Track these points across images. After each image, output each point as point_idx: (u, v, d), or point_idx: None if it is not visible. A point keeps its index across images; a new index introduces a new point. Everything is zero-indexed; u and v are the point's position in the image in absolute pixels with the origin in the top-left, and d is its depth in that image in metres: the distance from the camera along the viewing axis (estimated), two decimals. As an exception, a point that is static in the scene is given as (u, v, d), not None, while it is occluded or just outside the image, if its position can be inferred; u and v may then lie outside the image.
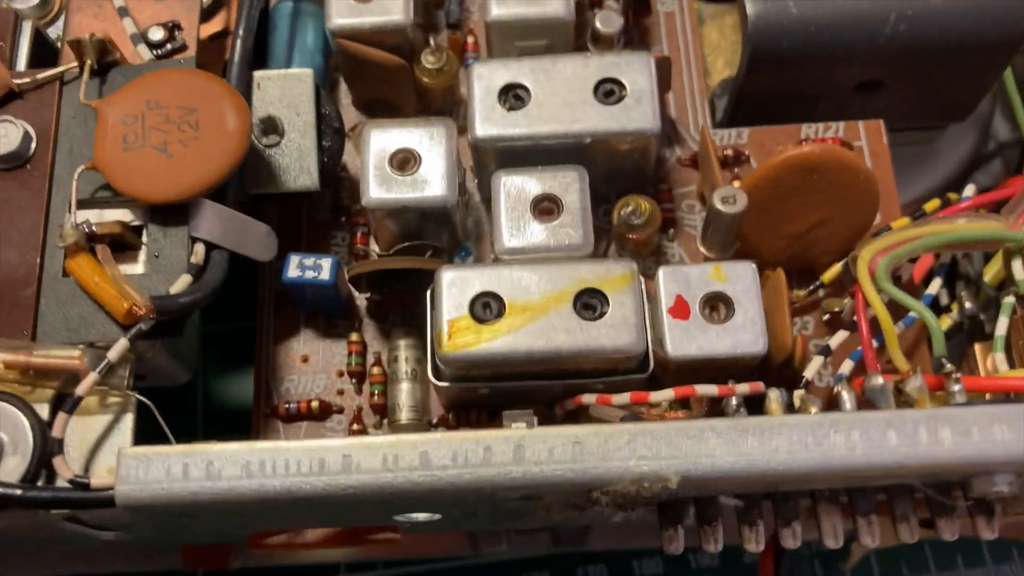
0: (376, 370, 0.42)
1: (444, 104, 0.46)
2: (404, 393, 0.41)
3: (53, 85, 0.40)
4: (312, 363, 0.43)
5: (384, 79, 0.44)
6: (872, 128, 0.45)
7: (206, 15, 0.45)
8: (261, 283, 0.43)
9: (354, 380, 0.42)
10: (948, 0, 0.42)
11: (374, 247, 0.44)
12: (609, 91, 0.41)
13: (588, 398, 0.37)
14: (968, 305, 0.47)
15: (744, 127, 0.45)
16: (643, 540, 0.54)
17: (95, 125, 0.38)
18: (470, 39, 0.48)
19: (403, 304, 0.43)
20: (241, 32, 0.41)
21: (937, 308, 0.48)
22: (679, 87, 0.47)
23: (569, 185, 0.40)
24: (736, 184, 0.41)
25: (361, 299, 0.43)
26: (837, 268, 0.42)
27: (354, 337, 0.42)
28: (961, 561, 0.54)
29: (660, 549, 0.55)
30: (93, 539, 0.40)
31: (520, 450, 0.33)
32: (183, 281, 0.37)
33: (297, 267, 0.40)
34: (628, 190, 0.42)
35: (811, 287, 0.42)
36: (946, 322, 0.46)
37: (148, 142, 0.37)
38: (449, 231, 0.42)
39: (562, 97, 0.41)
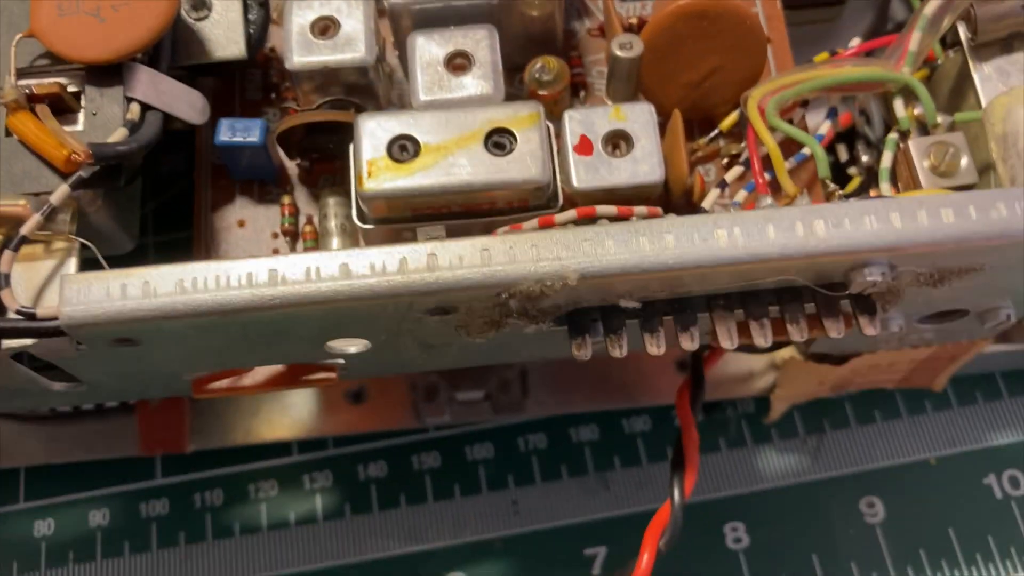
0: (308, 228, 0.45)
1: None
2: (335, 245, 0.44)
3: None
4: (248, 227, 0.45)
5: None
6: (767, -9, 0.48)
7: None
8: (198, 154, 0.46)
9: (288, 239, 0.45)
10: None
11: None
12: (514, -46, 0.44)
13: (502, 230, 0.40)
14: (865, 159, 0.50)
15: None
16: (578, 405, 0.57)
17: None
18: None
19: (332, 170, 0.46)
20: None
21: (841, 170, 0.51)
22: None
23: (480, 41, 0.43)
24: (634, 38, 0.44)
25: (292, 167, 0.46)
26: (734, 116, 0.45)
27: (286, 200, 0.45)
28: (879, 415, 0.58)
29: (595, 415, 0.58)
30: (46, 392, 0.43)
31: (433, 258, 0.36)
32: (119, 133, 0.40)
33: (228, 130, 0.43)
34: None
35: (711, 135, 0.45)
36: (855, 183, 0.50)
37: (81, 8, 0.40)
38: (372, 99, 0.45)
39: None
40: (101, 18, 0.40)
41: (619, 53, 0.42)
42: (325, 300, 0.35)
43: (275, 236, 0.45)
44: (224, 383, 0.43)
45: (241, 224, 0.45)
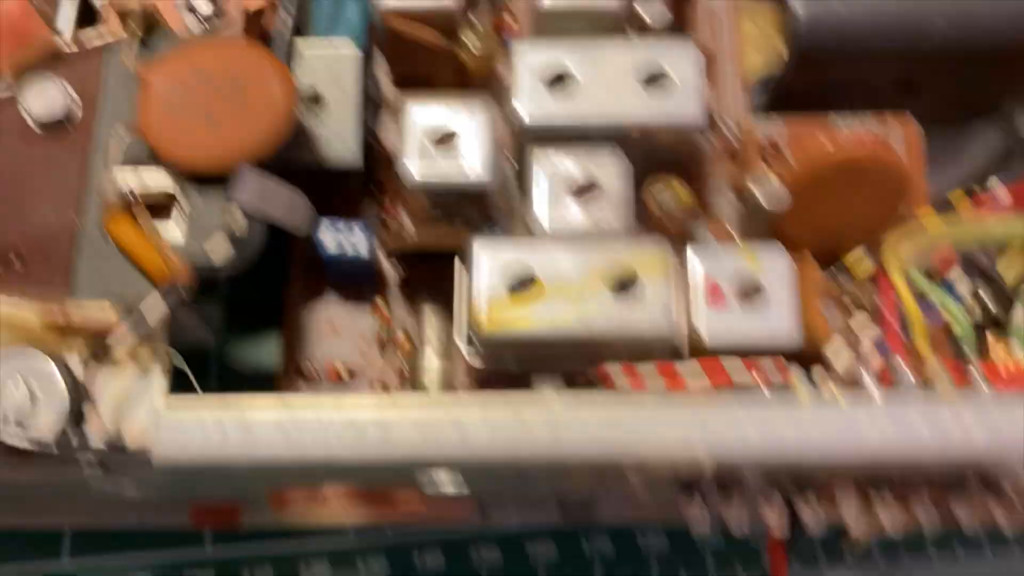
0: (403, 338, 0.42)
1: (482, 81, 0.46)
2: (429, 363, 0.41)
3: (97, 49, 0.40)
4: (338, 328, 0.43)
5: (427, 59, 0.44)
6: (905, 122, 0.45)
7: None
8: (291, 249, 0.44)
9: (380, 347, 0.42)
10: (991, 2, 0.42)
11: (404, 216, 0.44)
12: (654, 78, 0.41)
13: (615, 372, 0.38)
14: (981, 294, 0.47)
15: (779, 116, 0.46)
16: (649, 514, 0.55)
17: (139, 90, 0.39)
18: (509, 18, 0.48)
19: (433, 278, 0.43)
20: (286, 3, 0.41)
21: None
22: (716, 74, 0.47)
23: (609, 168, 0.40)
24: (776, 180, 0.41)
25: (388, 265, 0.44)
26: (864, 260, 0.42)
27: (382, 305, 0.43)
28: (960, 546, 0.56)
29: (667, 525, 0.56)
30: (109, 493, 0.41)
31: (557, 429, 0.33)
32: (221, 248, 0.37)
33: (332, 239, 0.41)
34: (662, 171, 0.43)
35: (834, 271, 0.43)
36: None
37: (193, 112, 0.37)
38: (483, 208, 0.42)
39: (606, 82, 0.41)
40: (213, 121, 0.37)
41: (763, 204, 0.39)
42: (447, 462, 0.33)
43: (366, 342, 0.43)
44: (302, 497, 0.41)
45: (332, 326, 0.43)
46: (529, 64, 0.41)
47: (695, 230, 0.44)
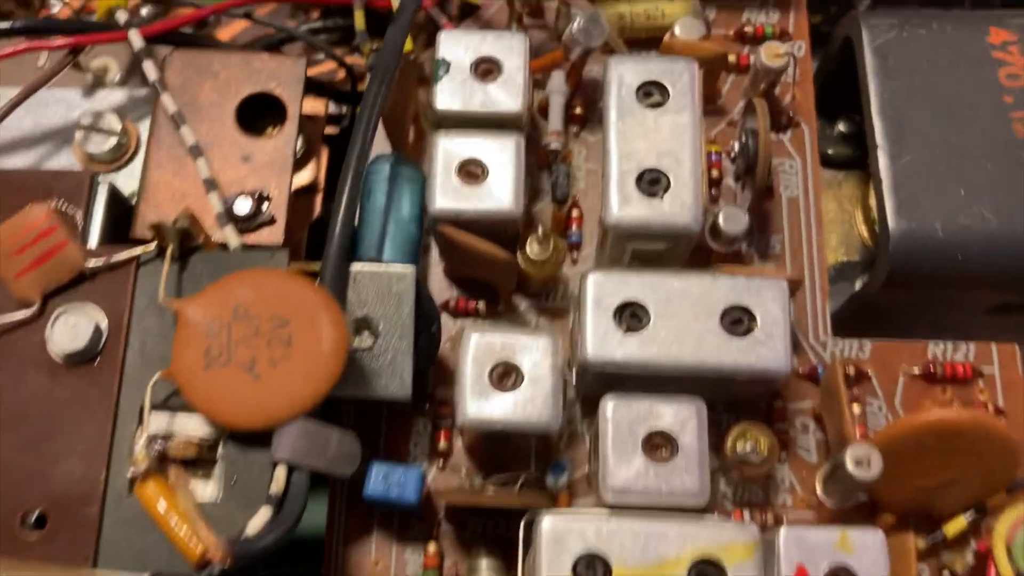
0: (454, 582, 0.39)
1: (544, 287, 0.43)
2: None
3: (128, 266, 0.37)
4: (384, 568, 0.39)
5: (485, 265, 0.40)
6: (1006, 352, 0.42)
7: (295, 163, 0.42)
8: (332, 483, 0.40)
9: (430, 599, 0.39)
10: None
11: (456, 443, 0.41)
12: (737, 319, 0.37)
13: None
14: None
15: (865, 338, 0.42)
16: None
17: (172, 318, 0.35)
18: (575, 212, 0.44)
19: (494, 527, 0.40)
20: (339, 225, 0.37)
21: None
22: (800, 293, 0.43)
23: (686, 421, 0.36)
24: (869, 442, 0.37)
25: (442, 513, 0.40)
26: (963, 522, 0.38)
27: (431, 549, 0.39)
28: None
29: None
30: None
31: None
32: (262, 516, 0.33)
33: (381, 481, 0.37)
34: (739, 411, 0.39)
35: (931, 537, 0.39)
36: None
37: (234, 359, 0.34)
38: (546, 447, 0.39)
39: (684, 321, 0.37)
40: (256, 374, 0.34)
41: (854, 472, 0.35)
42: None
43: (415, 586, 0.39)
44: None
45: (377, 564, 0.39)
46: (601, 297, 0.37)
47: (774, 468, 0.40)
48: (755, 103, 0.42)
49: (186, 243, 0.37)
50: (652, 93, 0.40)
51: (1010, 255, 0.39)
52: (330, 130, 0.48)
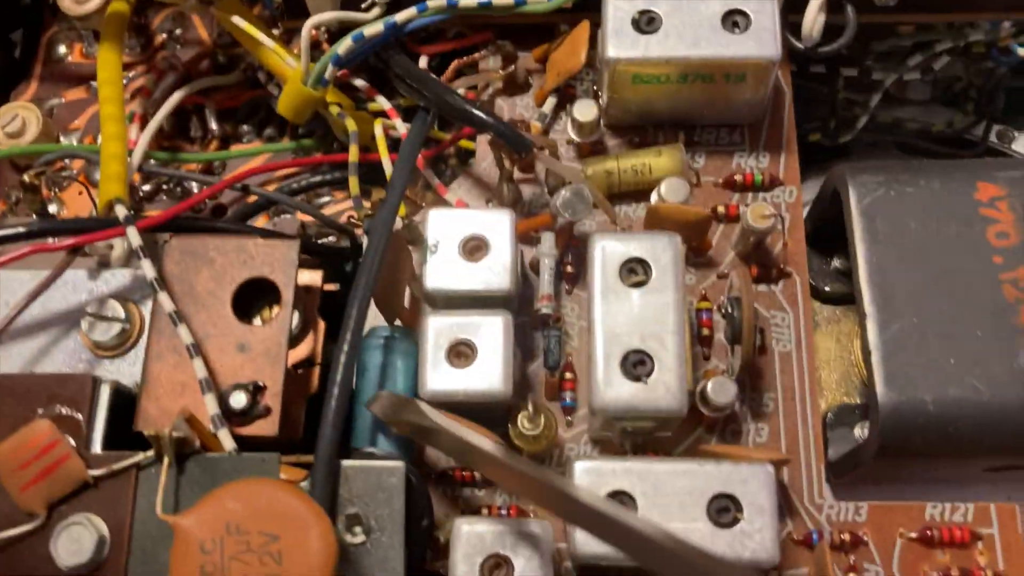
0: None
1: (540, 453, 0.43)
2: None
3: (129, 472, 0.38)
4: None
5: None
6: (1005, 512, 0.41)
7: (292, 340, 0.43)
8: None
9: None
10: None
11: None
12: (724, 508, 0.37)
13: None
14: None
15: (862, 501, 0.42)
16: None
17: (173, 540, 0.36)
18: (568, 375, 0.45)
19: None
20: (331, 416, 0.38)
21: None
22: (792, 445, 0.43)
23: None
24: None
25: None
26: None
27: None
28: None
29: None
30: None
31: None
32: None
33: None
34: None
35: None
36: None
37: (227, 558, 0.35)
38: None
39: (669, 512, 0.37)
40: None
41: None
42: None
43: None
44: None
45: None
46: (591, 479, 0.38)
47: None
48: (737, 277, 0.42)
49: (183, 449, 0.38)
50: (636, 271, 0.41)
51: (1002, 426, 0.39)
52: (329, 287, 0.49)
